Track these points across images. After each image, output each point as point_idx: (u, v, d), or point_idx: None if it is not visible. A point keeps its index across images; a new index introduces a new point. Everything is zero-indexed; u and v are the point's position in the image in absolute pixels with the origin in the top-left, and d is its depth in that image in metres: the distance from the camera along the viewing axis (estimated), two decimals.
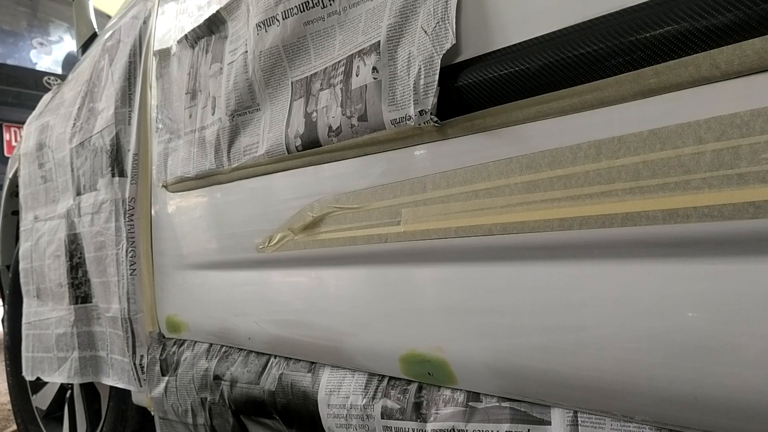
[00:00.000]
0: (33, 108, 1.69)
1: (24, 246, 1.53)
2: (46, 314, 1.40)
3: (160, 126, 1.04)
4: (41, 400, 1.65)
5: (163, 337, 1.10)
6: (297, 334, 0.78)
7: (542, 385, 0.51)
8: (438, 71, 0.53)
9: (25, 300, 1.51)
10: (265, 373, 0.82)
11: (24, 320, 1.49)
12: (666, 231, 0.41)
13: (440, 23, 0.53)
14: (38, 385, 1.62)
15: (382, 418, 0.64)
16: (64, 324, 1.29)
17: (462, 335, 0.57)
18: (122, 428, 1.25)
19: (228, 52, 0.85)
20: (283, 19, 0.72)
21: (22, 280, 1.53)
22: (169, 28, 1.04)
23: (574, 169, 0.46)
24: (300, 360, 0.79)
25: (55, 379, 1.33)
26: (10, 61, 3.45)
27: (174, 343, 1.07)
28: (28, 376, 1.45)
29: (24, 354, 1.48)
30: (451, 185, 0.55)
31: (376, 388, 0.67)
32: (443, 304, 0.58)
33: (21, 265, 1.53)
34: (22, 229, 1.57)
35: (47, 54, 3.67)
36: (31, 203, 1.53)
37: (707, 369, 0.41)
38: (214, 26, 0.90)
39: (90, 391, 1.43)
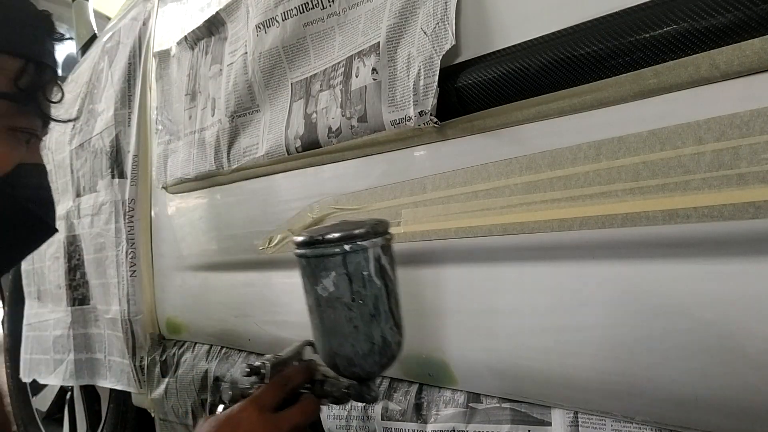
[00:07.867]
0: None
1: None
2: (45, 316, 1.39)
3: (160, 127, 1.04)
4: (41, 402, 1.65)
5: (163, 338, 1.10)
6: (297, 335, 0.77)
7: (542, 386, 0.51)
8: (437, 72, 0.53)
9: (26, 302, 1.52)
10: None
11: (24, 322, 1.49)
12: (666, 231, 0.41)
13: (440, 24, 0.53)
14: (38, 386, 1.62)
15: (383, 419, 0.64)
16: (62, 326, 1.29)
17: (462, 336, 0.57)
18: (122, 430, 1.25)
19: (227, 53, 0.85)
20: (283, 21, 0.72)
21: (24, 282, 1.53)
22: (169, 29, 1.04)
23: (574, 170, 0.46)
24: None
25: (51, 381, 1.33)
26: None
27: (174, 345, 1.07)
28: (25, 378, 1.45)
29: (23, 356, 1.48)
30: (451, 186, 0.55)
31: None
32: (443, 305, 0.58)
33: (23, 267, 1.53)
34: None
35: None
36: None
37: (707, 369, 0.41)
38: (213, 27, 0.90)
39: (90, 392, 1.43)
